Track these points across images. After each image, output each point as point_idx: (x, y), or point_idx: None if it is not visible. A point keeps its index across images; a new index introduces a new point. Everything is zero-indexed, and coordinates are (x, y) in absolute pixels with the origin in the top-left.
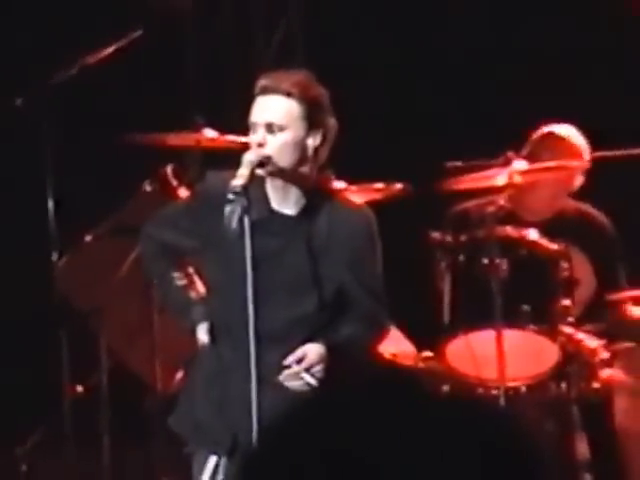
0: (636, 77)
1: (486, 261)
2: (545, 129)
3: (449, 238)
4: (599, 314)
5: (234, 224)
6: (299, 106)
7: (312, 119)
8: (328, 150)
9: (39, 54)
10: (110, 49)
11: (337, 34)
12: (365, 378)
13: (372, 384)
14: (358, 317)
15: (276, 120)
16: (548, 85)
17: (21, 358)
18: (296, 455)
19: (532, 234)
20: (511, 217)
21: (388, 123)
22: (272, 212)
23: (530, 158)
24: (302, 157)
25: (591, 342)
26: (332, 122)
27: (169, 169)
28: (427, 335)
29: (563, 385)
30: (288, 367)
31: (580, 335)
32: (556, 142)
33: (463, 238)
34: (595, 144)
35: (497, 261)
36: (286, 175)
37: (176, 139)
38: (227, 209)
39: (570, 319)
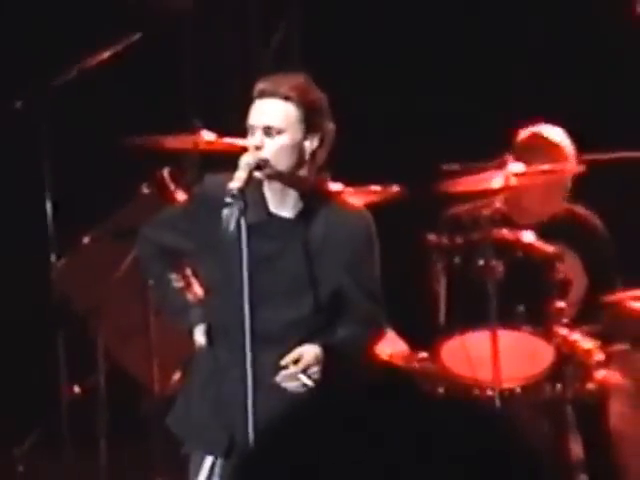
0: (629, 80)
1: (482, 263)
2: (531, 130)
3: (445, 240)
4: (594, 315)
5: (231, 227)
6: (297, 109)
7: (310, 122)
8: (326, 153)
9: (39, 57)
10: (108, 52)
11: (335, 36)
12: (361, 379)
13: (368, 385)
14: (356, 319)
15: (274, 123)
16: (545, 88)
17: (19, 359)
18: (292, 456)
19: (527, 236)
20: (507, 219)
21: (385, 125)
22: (270, 215)
23: (517, 160)
24: (300, 160)
25: (586, 343)
26: (330, 125)
27: (166, 172)
28: (422, 336)
29: (558, 386)
30: (285, 368)
31: (575, 336)
32: (543, 143)
33: (459, 240)
34: (586, 146)
35: (492, 263)
36: (284, 178)
37: (174, 142)
38: (225, 212)
39: (565, 320)
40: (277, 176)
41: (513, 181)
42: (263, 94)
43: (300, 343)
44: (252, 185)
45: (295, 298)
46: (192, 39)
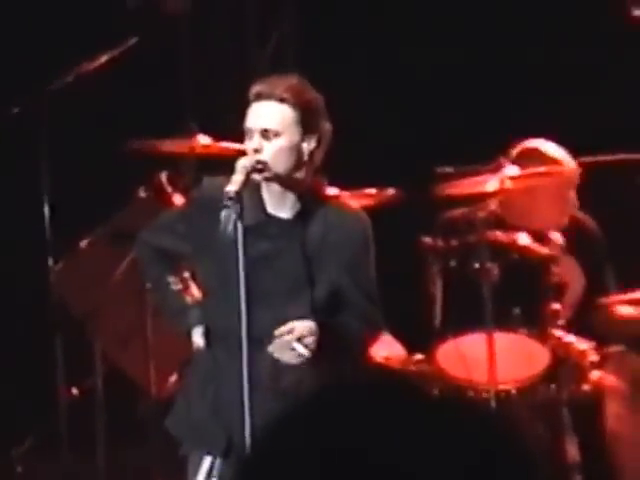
0: (624, 90)
1: (477, 265)
2: (527, 144)
3: (440, 243)
4: (589, 317)
5: (229, 229)
6: (293, 111)
7: (307, 124)
8: (323, 153)
9: (36, 62)
10: (106, 56)
11: (330, 39)
12: (358, 376)
13: (366, 386)
14: (354, 316)
15: (271, 126)
16: (542, 91)
17: (17, 361)
18: (291, 457)
19: (523, 239)
20: (502, 222)
21: (380, 129)
22: (268, 216)
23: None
24: (298, 161)
25: (581, 345)
26: (327, 126)
27: (164, 176)
28: (418, 338)
29: (553, 388)
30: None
31: (570, 338)
32: (538, 157)
33: (454, 243)
34: (583, 150)
35: (488, 265)
36: (282, 180)
37: (171, 146)
38: (222, 214)
39: (560, 322)
40: (276, 178)
41: (508, 184)
42: (259, 97)
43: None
44: (250, 187)
45: (293, 299)
46: (189, 43)
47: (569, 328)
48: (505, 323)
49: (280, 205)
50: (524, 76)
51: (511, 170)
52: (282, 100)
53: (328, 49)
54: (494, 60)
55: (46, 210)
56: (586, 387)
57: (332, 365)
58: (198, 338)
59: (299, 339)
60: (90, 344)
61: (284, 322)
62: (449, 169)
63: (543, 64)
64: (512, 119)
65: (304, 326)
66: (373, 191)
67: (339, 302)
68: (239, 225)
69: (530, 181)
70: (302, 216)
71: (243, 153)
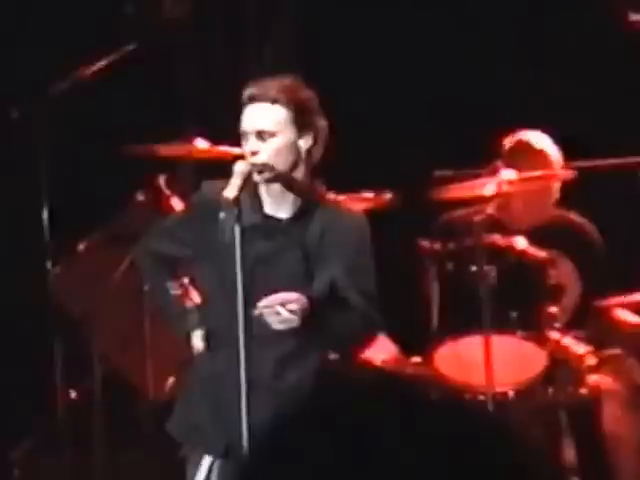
0: (622, 86)
1: (474, 269)
2: (516, 137)
3: (438, 246)
4: (586, 320)
5: (227, 233)
6: (287, 111)
7: (301, 122)
8: (322, 151)
9: (35, 66)
10: (105, 61)
11: (329, 44)
12: (357, 377)
13: (365, 387)
14: (352, 315)
15: (265, 127)
16: (542, 94)
17: (16, 363)
18: (290, 459)
19: (520, 242)
20: (499, 225)
21: (377, 133)
22: (266, 216)
23: (506, 167)
24: (296, 160)
25: (578, 348)
26: (322, 123)
27: (162, 179)
28: (416, 341)
29: (551, 391)
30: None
31: (567, 341)
32: (528, 150)
33: (451, 246)
34: (580, 153)
35: (485, 269)
36: (283, 180)
37: (169, 150)
38: (220, 218)
39: (558, 325)
40: (276, 179)
41: (505, 188)
42: (251, 99)
43: (297, 344)
44: (248, 187)
45: None
46: (188, 48)
47: (566, 331)
48: (502, 326)
49: (278, 205)
50: (524, 79)
51: (508, 174)
52: (275, 101)
53: (327, 53)
54: (494, 63)
55: (45, 213)
56: (583, 390)
57: (331, 365)
58: (198, 341)
59: (283, 305)
60: (88, 346)
61: None
62: (447, 172)
63: (543, 68)
64: (511, 122)
65: (291, 294)
66: (370, 195)
67: (337, 301)
68: (237, 229)
69: (527, 185)
70: (300, 216)
71: (241, 157)
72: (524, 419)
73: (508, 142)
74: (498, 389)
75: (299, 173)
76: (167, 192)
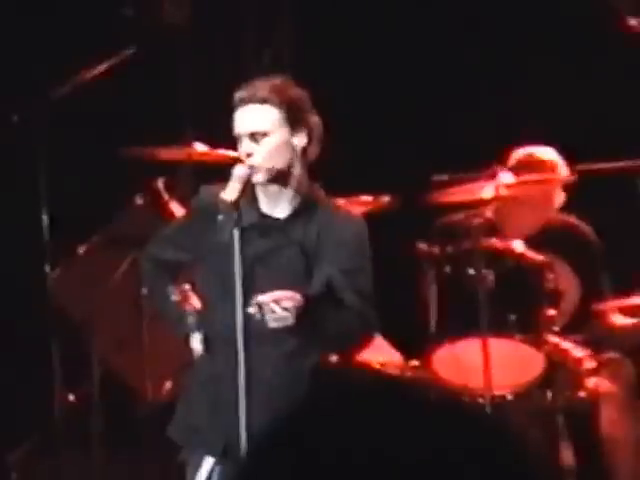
0: (622, 91)
1: (472, 272)
2: (524, 151)
3: (436, 249)
4: (584, 324)
5: (226, 235)
6: (277, 110)
7: (293, 120)
8: (317, 148)
9: (34, 70)
10: (105, 65)
11: (327, 49)
12: (356, 379)
13: (364, 390)
14: (348, 316)
15: (257, 128)
16: (541, 98)
17: (14, 366)
18: (290, 461)
19: (518, 245)
20: (497, 229)
21: (376, 136)
22: (263, 216)
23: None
24: (291, 159)
25: (576, 351)
26: (315, 120)
27: (160, 182)
28: (414, 344)
29: (549, 394)
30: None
31: (565, 344)
32: (536, 164)
33: (450, 249)
34: (578, 156)
35: (483, 272)
36: (280, 180)
37: (168, 153)
38: (219, 221)
39: (555, 329)
40: (274, 179)
41: (503, 191)
42: (242, 101)
43: (297, 341)
44: (247, 190)
45: None
46: (188, 52)
47: (564, 334)
48: (500, 329)
49: (275, 205)
50: (523, 83)
51: (506, 177)
52: (265, 101)
53: (326, 58)
54: (493, 67)
55: (44, 217)
56: (581, 393)
57: (329, 365)
58: (197, 344)
59: (278, 302)
60: (87, 349)
61: None
62: (445, 176)
63: (542, 72)
64: (509, 126)
65: (285, 292)
66: (368, 198)
67: (334, 301)
68: (236, 232)
69: (525, 189)
70: (297, 216)
71: (240, 161)
72: (522, 422)
73: (514, 156)
74: (496, 392)
75: (295, 172)
76: (166, 195)
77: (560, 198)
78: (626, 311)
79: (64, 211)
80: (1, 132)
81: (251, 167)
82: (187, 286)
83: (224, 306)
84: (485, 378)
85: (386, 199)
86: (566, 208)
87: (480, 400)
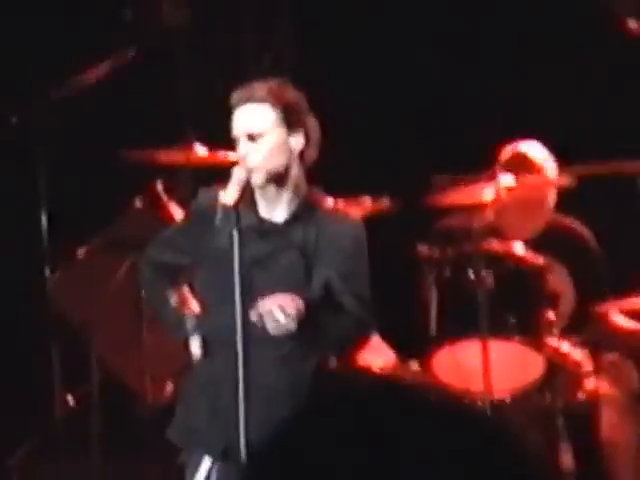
0: (619, 94)
1: (472, 274)
2: (513, 149)
3: (436, 252)
4: (584, 326)
5: (223, 238)
6: (274, 111)
7: (290, 121)
8: (315, 150)
9: (34, 72)
10: (105, 67)
11: (327, 51)
12: (356, 383)
13: (363, 391)
14: (346, 318)
15: (254, 129)
16: (541, 101)
17: (14, 369)
18: (291, 463)
19: (517, 248)
20: (497, 231)
21: (375, 139)
22: (261, 220)
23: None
24: (289, 160)
25: (576, 353)
26: (312, 122)
27: (160, 185)
28: (414, 347)
29: (548, 396)
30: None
31: (565, 347)
32: (525, 163)
33: (449, 252)
34: (575, 159)
35: (483, 274)
36: (278, 181)
37: (167, 156)
38: (216, 224)
39: (555, 331)
40: (271, 181)
41: (503, 194)
42: (239, 103)
43: (296, 344)
44: (246, 193)
45: None
46: (187, 54)
47: (564, 337)
48: (500, 332)
49: (273, 208)
50: (523, 84)
51: (506, 180)
52: (261, 102)
53: (325, 61)
54: (493, 68)
55: (43, 219)
56: (581, 396)
57: (328, 368)
58: (196, 348)
59: (280, 309)
60: (86, 351)
61: None
62: (445, 178)
63: (542, 75)
64: (509, 128)
65: (286, 295)
66: (368, 200)
67: (332, 304)
68: (236, 235)
69: (525, 191)
70: (295, 219)
71: (239, 163)
72: (522, 424)
73: (505, 154)
74: (496, 395)
75: (293, 173)
76: (165, 198)
77: (553, 198)
78: (626, 313)
79: (64, 213)
80: (0, 133)
81: (249, 169)
82: (186, 289)
83: (223, 309)
84: (485, 380)
85: (386, 201)
86: (564, 209)
87: (479, 403)
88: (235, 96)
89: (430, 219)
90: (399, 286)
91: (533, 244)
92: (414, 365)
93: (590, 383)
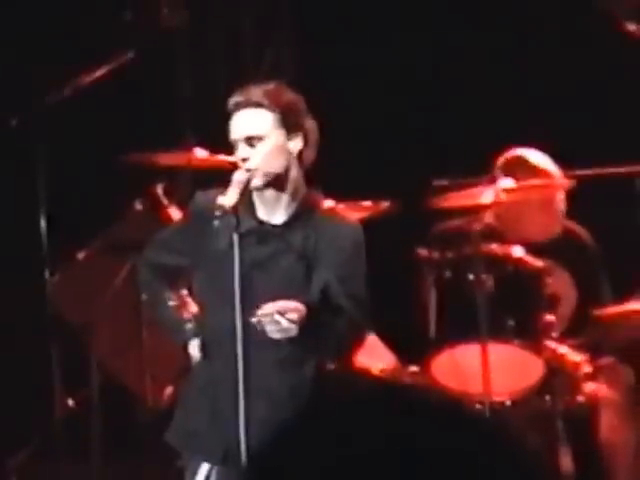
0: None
1: (472, 277)
2: (512, 153)
3: (436, 255)
4: (583, 329)
5: (222, 241)
6: (272, 114)
7: (289, 124)
8: (313, 152)
9: (34, 73)
10: (104, 69)
11: (328, 52)
12: (356, 387)
13: (363, 393)
14: (342, 320)
15: (253, 132)
16: (540, 104)
17: (14, 372)
18: (290, 465)
19: (517, 251)
20: (497, 234)
21: (376, 141)
22: (260, 222)
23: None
24: (287, 163)
25: (575, 356)
26: (310, 124)
27: (160, 188)
28: (413, 350)
29: (547, 399)
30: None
31: (564, 350)
32: (524, 165)
33: (449, 255)
34: (575, 162)
35: (482, 277)
36: (277, 184)
37: (167, 158)
38: (215, 227)
39: (554, 334)
40: (270, 184)
41: (503, 197)
42: (237, 107)
43: (294, 348)
44: (245, 196)
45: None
46: (187, 57)
47: (563, 340)
48: (499, 334)
49: (272, 211)
50: (522, 89)
51: (506, 182)
52: (259, 105)
53: (325, 63)
54: (493, 71)
55: (43, 221)
56: (580, 398)
57: (327, 371)
58: (195, 351)
59: (283, 314)
60: (86, 354)
61: None
62: (445, 181)
63: (541, 78)
64: (509, 131)
65: (289, 302)
66: (368, 203)
67: (330, 307)
68: (235, 237)
69: (525, 193)
70: (294, 222)
71: (238, 166)
72: (521, 427)
73: (504, 157)
74: (495, 398)
75: (292, 176)
76: (165, 201)
77: (562, 203)
78: (625, 317)
79: (63, 216)
80: (0, 135)
81: (249, 173)
82: (184, 292)
83: (222, 312)
84: (484, 383)
85: (386, 204)
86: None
87: (479, 406)
88: (232, 100)
89: (430, 222)
90: (399, 289)
91: (536, 247)
92: (413, 368)
93: (589, 386)
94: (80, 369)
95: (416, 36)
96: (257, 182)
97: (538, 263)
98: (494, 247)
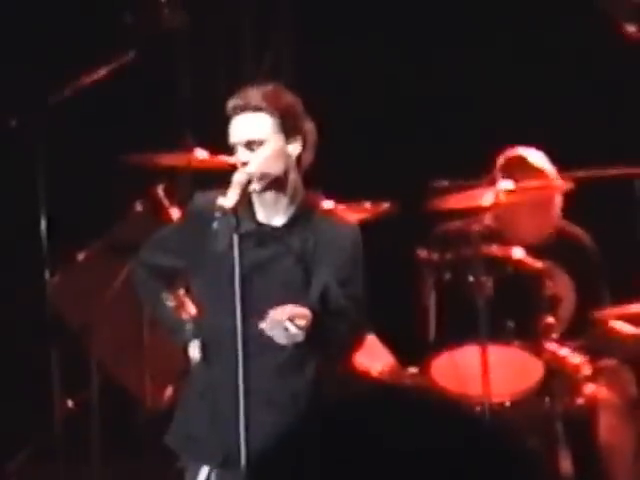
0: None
1: (472, 279)
2: (511, 153)
3: (435, 256)
4: (582, 331)
5: (221, 243)
6: (271, 118)
7: (288, 127)
8: (312, 154)
9: (34, 74)
10: (104, 70)
11: (328, 52)
12: (356, 391)
13: (363, 396)
14: (341, 321)
15: (252, 136)
16: (540, 105)
17: (13, 373)
18: (290, 467)
19: (517, 253)
20: (496, 236)
21: (376, 143)
22: (259, 224)
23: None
24: (287, 166)
25: (574, 358)
26: (309, 126)
27: (160, 189)
28: (413, 351)
29: (547, 401)
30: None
31: (564, 351)
32: (524, 165)
33: (449, 256)
34: (575, 163)
35: (482, 279)
36: (276, 187)
37: (168, 159)
38: (214, 228)
39: (554, 336)
40: (270, 187)
41: (503, 198)
42: (236, 110)
43: (295, 351)
44: (244, 197)
45: (287, 304)
46: (187, 57)
47: (563, 341)
48: (499, 336)
49: (271, 213)
50: (522, 90)
51: (506, 184)
52: (258, 109)
53: (325, 64)
54: (492, 73)
55: (43, 223)
56: (580, 400)
57: (328, 373)
58: (194, 352)
59: (292, 320)
60: (86, 356)
61: None
62: (444, 183)
63: (540, 80)
64: (509, 133)
65: (297, 308)
66: (368, 205)
67: (330, 309)
68: (235, 238)
69: (525, 195)
70: (293, 224)
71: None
72: (521, 429)
73: (504, 158)
74: (495, 399)
75: (291, 179)
76: (166, 202)
77: (560, 205)
78: (624, 319)
79: (63, 217)
80: (0, 136)
81: (248, 176)
82: (182, 291)
83: (221, 314)
84: (484, 385)
85: (386, 205)
86: (563, 214)
87: (478, 407)
88: (231, 103)
89: (430, 223)
90: (398, 290)
91: (535, 249)
92: (413, 369)
93: (589, 388)
94: (80, 370)
95: (416, 36)
96: (257, 186)
97: (538, 265)
98: (494, 249)
